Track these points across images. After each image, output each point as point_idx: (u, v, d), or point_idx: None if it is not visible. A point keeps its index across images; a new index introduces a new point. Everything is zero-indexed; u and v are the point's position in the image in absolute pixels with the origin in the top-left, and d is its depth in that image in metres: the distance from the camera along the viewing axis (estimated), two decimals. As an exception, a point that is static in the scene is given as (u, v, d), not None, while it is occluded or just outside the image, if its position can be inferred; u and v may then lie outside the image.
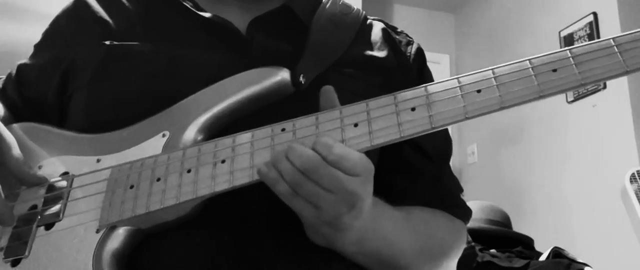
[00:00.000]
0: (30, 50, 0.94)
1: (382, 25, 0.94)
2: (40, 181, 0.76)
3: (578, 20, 3.60)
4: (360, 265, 0.75)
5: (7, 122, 0.82)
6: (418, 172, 0.86)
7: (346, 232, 0.67)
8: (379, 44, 0.90)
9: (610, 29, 3.31)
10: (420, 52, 0.93)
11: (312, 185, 0.62)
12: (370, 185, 0.66)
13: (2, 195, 0.71)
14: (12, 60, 0.94)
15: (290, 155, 0.62)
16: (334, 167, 0.62)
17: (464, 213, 0.90)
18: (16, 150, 0.75)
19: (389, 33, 0.93)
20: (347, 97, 0.72)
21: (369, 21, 0.94)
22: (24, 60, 0.93)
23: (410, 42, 0.94)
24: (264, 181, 0.64)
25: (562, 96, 3.58)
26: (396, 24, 0.98)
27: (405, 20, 4.63)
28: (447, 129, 0.90)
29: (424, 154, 0.86)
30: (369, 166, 0.65)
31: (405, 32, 0.97)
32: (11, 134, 0.76)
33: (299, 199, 0.64)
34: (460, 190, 0.92)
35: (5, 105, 0.89)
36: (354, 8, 0.93)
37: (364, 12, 0.94)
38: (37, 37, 0.94)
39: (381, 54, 0.88)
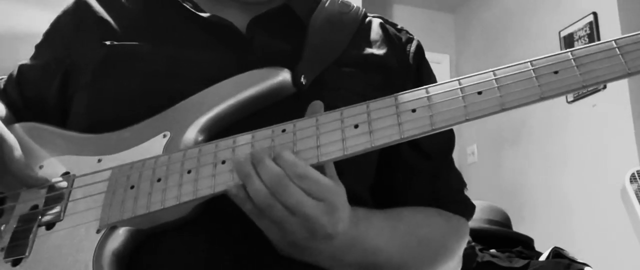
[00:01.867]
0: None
1: (380, 20, 0.94)
2: (41, 182, 0.76)
3: (578, 20, 3.60)
4: None
5: (8, 122, 0.82)
6: (415, 170, 0.86)
7: (314, 252, 0.67)
8: (378, 42, 0.89)
9: (610, 29, 3.32)
10: (419, 49, 0.93)
11: (277, 205, 0.62)
12: (338, 212, 0.65)
13: (22, 158, 0.73)
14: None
15: (260, 168, 0.63)
16: (296, 186, 0.62)
17: (465, 209, 0.89)
18: (18, 151, 0.75)
19: (389, 30, 0.92)
20: (347, 97, 0.72)
21: (368, 19, 0.94)
22: (25, 60, 0.93)
23: (410, 40, 0.93)
24: (235, 201, 0.65)
25: (562, 96, 3.57)
26: (396, 24, 0.98)
27: (405, 20, 4.62)
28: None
29: (422, 152, 0.85)
30: (337, 192, 0.65)
31: (406, 29, 0.96)
32: (12, 135, 0.76)
33: (265, 219, 0.64)
34: (463, 185, 0.91)
35: (6, 106, 0.89)
36: (353, 6, 0.92)
37: (363, 10, 0.93)
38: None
39: (380, 52, 0.88)
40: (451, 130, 0.90)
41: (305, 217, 0.62)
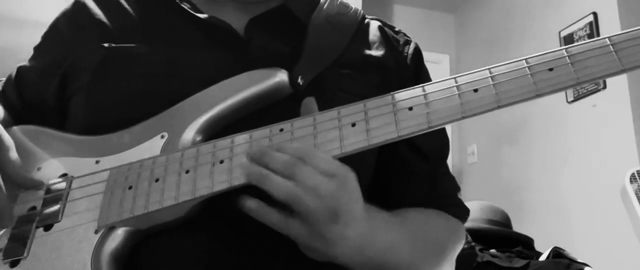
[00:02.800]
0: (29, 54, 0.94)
1: (380, 24, 0.94)
2: (37, 184, 0.76)
3: (578, 20, 3.60)
4: None
5: (7, 124, 0.82)
6: (414, 172, 0.86)
7: (339, 245, 0.66)
8: (376, 43, 0.90)
9: (610, 29, 3.31)
10: (417, 51, 0.93)
11: (302, 192, 0.62)
12: (351, 191, 0.65)
13: (4, 191, 0.71)
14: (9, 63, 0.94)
15: (269, 160, 0.63)
16: (306, 166, 0.62)
17: (461, 212, 0.90)
18: (14, 153, 0.75)
19: (387, 32, 0.93)
20: (345, 98, 0.72)
21: (366, 21, 0.94)
22: (24, 63, 0.93)
23: (408, 42, 0.93)
24: (259, 218, 0.65)
25: (562, 96, 3.58)
26: (396, 24, 0.98)
27: (405, 20, 4.64)
28: (444, 128, 0.90)
29: (420, 153, 0.85)
30: (342, 165, 0.65)
31: (404, 32, 0.97)
32: (10, 137, 0.76)
33: (290, 221, 0.64)
34: (457, 189, 0.92)
35: (5, 108, 0.89)
36: (352, 7, 0.93)
37: (361, 12, 0.93)
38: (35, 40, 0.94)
39: (378, 53, 0.88)
40: (446, 137, 0.92)
41: (327, 196, 0.62)
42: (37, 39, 0.94)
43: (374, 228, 0.70)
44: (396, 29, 0.96)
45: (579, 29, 3.60)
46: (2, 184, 0.71)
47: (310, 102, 0.70)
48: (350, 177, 0.65)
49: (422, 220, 0.83)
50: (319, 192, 0.62)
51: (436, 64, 4.62)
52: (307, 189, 0.62)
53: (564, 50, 0.63)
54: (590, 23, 3.51)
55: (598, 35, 3.40)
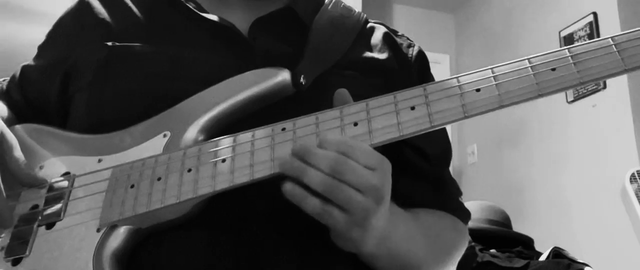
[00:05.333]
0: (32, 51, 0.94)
1: (384, 29, 0.95)
2: (40, 182, 0.76)
3: (578, 20, 3.60)
4: (373, 265, 0.75)
5: (11, 123, 0.83)
6: (420, 174, 0.86)
7: (372, 233, 0.67)
8: (379, 46, 0.90)
9: (610, 29, 3.31)
10: (422, 54, 0.93)
11: (342, 187, 0.62)
12: (388, 180, 0.66)
13: (4, 194, 0.71)
14: (11, 61, 0.94)
15: (312, 160, 0.63)
16: (354, 161, 0.62)
17: (464, 215, 0.90)
18: (17, 151, 0.75)
19: (390, 36, 0.93)
20: (348, 99, 0.72)
21: (369, 25, 0.94)
22: (28, 61, 0.94)
23: (411, 45, 0.94)
24: (293, 200, 0.64)
25: (562, 96, 3.58)
26: (396, 24, 0.99)
27: (405, 20, 4.63)
28: (446, 133, 0.91)
29: (425, 157, 0.86)
30: (381, 156, 0.65)
31: (406, 35, 0.97)
32: (13, 135, 0.76)
33: (329, 208, 0.63)
34: (460, 193, 0.92)
35: (9, 106, 0.90)
36: (355, 11, 0.93)
37: (364, 16, 0.94)
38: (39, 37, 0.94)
39: (382, 56, 0.89)
40: (449, 142, 0.92)
41: (373, 188, 0.63)
42: (44, 32, 0.94)
43: (395, 220, 0.71)
44: (399, 33, 0.96)
45: (579, 29, 3.60)
46: (1, 187, 0.71)
47: (342, 93, 0.70)
48: (388, 169, 0.66)
49: (432, 219, 0.83)
50: (364, 186, 0.62)
51: (436, 64, 4.62)
52: (351, 184, 0.62)
53: (566, 50, 0.63)
54: (590, 23, 3.51)
55: (598, 35, 3.40)
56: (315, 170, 0.62)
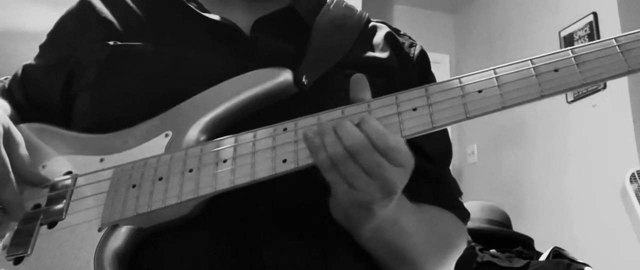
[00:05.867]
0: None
1: (386, 28, 0.94)
2: (43, 181, 0.76)
3: (578, 20, 3.60)
4: (370, 252, 0.75)
5: (14, 122, 0.82)
6: (421, 173, 0.86)
7: (370, 218, 0.67)
8: (381, 45, 0.90)
9: (610, 29, 3.31)
10: (423, 54, 0.93)
11: (353, 166, 0.62)
12: (404, 181, 0.67)
13: (15, 184, 0.72)
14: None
15: (340, 131, 0.62)
16: (381, 155, 0.62)
17: (464, 215, 0.90)
18: (23, 150, 0.75)
19: (393, 35, 0.93)
20: (349, 98, 0.72)
21: (371, 24, 0.94)
22: (30, 61, 0.94)
23: (413, 44, 0.94)
24: (306, 145, 0.64)
25: (562, 96, 3.58)
26: (396, 24, 0.98)
27: (405, 20, 4.63)
28: (447, 133, 0.90)
29: (426, 156, 0.86)
30: (412, 158, 0.66)
31: (408, 34, 0.97)
32: (20, 133, 0.76)
33: (336, 172, 0.63)
34: (460, 193, 0.92)
35: (11, 106, 0.90)
36: (357, 10, 0.93)
37: (366, 15, 0.94)
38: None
39: (383, 55, 0.89)
40: (449, 142, 0.92)
41: (386, 181, 0.63)
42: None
43: (398, 211, 0.71)
44: (401, 32, 0.96)
45: (579, 29, 3.59)
46: (13, 178, 0.71)
47: (361, 78, 0.70)
48: (410, 170, 0.66)
49: (436, 214, 0.84)
50: (375, 174, 0.63)
51: (436, 64, 4.58)
52: (363, 166, 0.62)
53: (569, 51, 0.63)
54: (590, 23, 3.51)
55: (598, 35, 3.40)
56: (337, 139, 0.62)
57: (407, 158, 0.64)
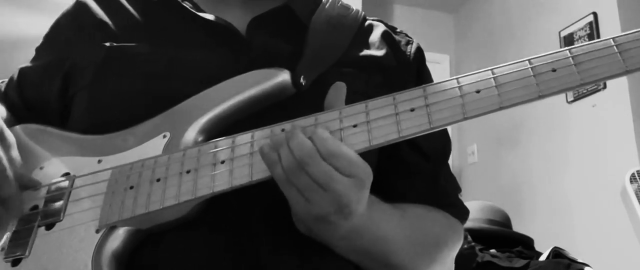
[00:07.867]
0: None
1: (382, 27, 0.94)
2: (35, 184, 0.76)
3: (578, 20, 3.60)
4: (352, 261, 0.75)
5: (9, 124, 0.82)
6: (415, 171, 0.86)
7: (333, 229, 0.67)
8: (377, 43, 0.90)
9: (610, 29, 3.31)
10: (419, 51, 0.93)
11: (305, 176, 0.62)
12: (365, 190, 0.66)
13: (13, 182, 0.72)
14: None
15: (291, 142, 0.63)
16: (327, 163, 0.62)
17: (460, 212, 0.90)
18: (15, 151, 0.75)
19: (389, 33, 0.93)
20: (349, 97, 0.72)
21: (368, 22, 0.94)
22: (26, 63, 0.93)
23: (409, 42, 0.94)
24: (263, 160, 0.65)
25: (562, 96, 3.58)
26: (396, 24, 0.98)
27: (405, 20, 4.63)
28: (446, 129, 0.90)
29: (422, 153, 0.86)
30: (366, 170, 0.65)
31: (405, 32, 0.97)
32: (12, 135, 0.76)
33: (292, 187, 0.64)
34: (458, 190, 0.92)
35: (7, 108, 0.90)
36: (353, 9, 0.93)
37: (362, 13, 0.94)
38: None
39: (380, 53, 0.89)
40: (448, 137, 0.92)
41: (336, 193, 0.63)
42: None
43: (372, 219, 0.71)
44: (397, 30, 0.96)
45: (579, 29, 3.59)
46: (11, 175, 0.71)
47: (341, 86, 0.70)
48: (364, 184, 0.65)
49: (421, 214, 0.83)
50: (326, 186, 0.62)
51: (436, 64, 4.62)
52: (313, 178, 0.62)
53: (567, 51, 0.62)
54: (590, 23, 3.51)
55: (598, 35, 3.40)
56: (289, 150, 0.63)
57: (359, 169, 0.64)
